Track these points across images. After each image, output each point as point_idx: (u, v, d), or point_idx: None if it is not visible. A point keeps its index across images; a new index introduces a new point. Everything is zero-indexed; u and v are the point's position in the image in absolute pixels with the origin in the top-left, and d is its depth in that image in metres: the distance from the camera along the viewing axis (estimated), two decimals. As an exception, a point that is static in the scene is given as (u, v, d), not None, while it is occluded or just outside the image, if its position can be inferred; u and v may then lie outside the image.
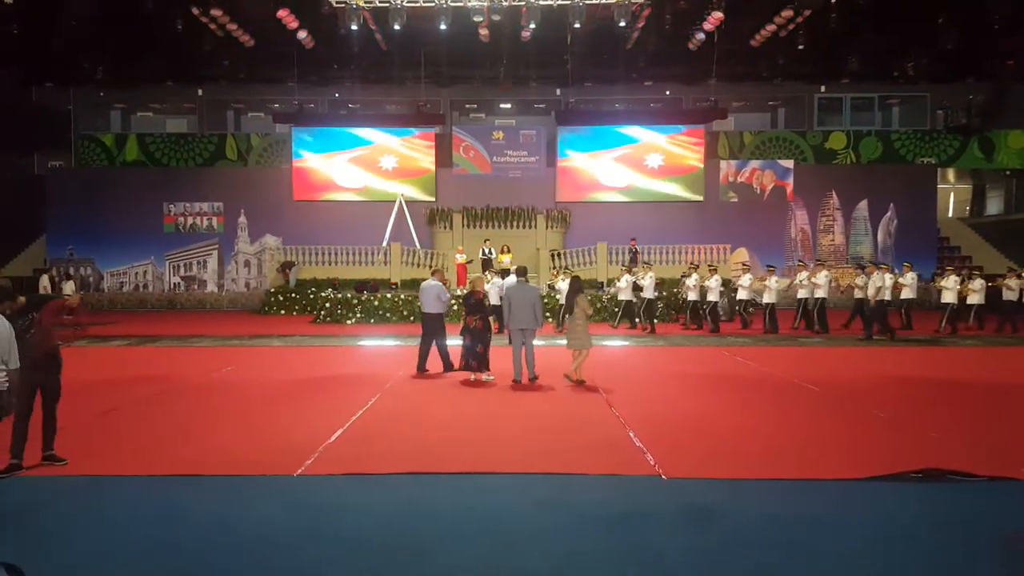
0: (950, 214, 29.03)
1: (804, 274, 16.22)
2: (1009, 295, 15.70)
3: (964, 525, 4.63)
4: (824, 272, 16.03)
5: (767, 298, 16.11)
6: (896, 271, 16.20)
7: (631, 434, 6.80)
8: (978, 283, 15.80)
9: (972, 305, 15.70)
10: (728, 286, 17.67)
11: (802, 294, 16.09)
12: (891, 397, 8.72)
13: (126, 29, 20.73)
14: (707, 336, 15.46)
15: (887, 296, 14.65)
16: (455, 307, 15.82)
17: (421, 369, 10.42)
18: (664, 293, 18.19)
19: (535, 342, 9.76)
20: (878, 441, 6.60)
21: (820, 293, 15.72)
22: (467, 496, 5.19)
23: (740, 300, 16.90)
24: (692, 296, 16.85)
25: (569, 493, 5.21)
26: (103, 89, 25.72)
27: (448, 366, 10.40)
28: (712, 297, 16.24)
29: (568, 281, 12.65)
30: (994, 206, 29.62)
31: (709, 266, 17.83)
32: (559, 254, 22.55)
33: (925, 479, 5.47)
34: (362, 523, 4.68)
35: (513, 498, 5.17)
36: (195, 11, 19.09)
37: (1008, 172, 27.96)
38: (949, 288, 15.59)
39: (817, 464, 5.87)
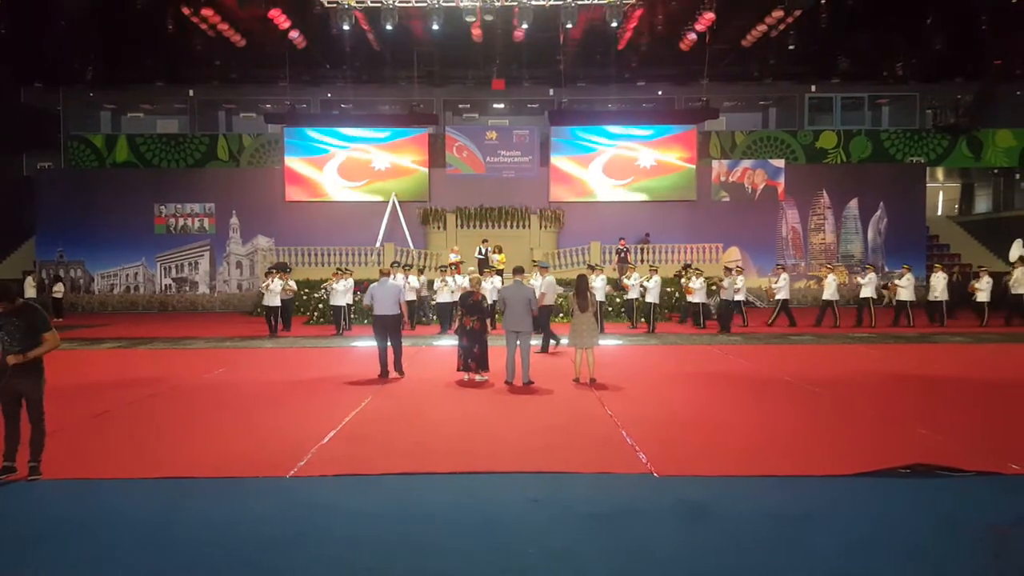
0: (939, 212, 29.25)
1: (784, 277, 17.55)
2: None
3: (952, 520, 4.67)
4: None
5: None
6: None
7: (623, 432, 6.84)
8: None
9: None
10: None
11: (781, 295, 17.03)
12: (880, 393, 8.79)
13: (116, 29, 20.64)
14: (699, 334, 15.53)
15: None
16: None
17: (387, 374, 9.94)
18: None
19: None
20: (867, 437, 6.65)
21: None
22: (460, 495, 5.20)
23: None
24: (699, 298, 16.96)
25: (562, 491, 5.23)
26: (93, 89, 25.61)
27: (400, 366, 10.03)
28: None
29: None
30: (982, 204, 29.87)
31: (696, 268, 18.24)
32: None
33: (914, 474, 5.52)
34: (355, 523, 4.69)
35: (506, 497, 5.18)
36: (186, 11, 19.04)
37: (996, 171, 28.19)
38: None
39: (808, 460, 5.92)
